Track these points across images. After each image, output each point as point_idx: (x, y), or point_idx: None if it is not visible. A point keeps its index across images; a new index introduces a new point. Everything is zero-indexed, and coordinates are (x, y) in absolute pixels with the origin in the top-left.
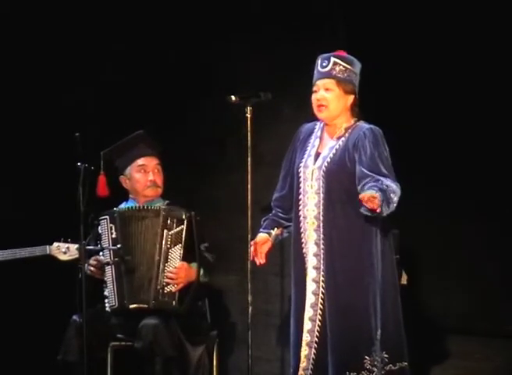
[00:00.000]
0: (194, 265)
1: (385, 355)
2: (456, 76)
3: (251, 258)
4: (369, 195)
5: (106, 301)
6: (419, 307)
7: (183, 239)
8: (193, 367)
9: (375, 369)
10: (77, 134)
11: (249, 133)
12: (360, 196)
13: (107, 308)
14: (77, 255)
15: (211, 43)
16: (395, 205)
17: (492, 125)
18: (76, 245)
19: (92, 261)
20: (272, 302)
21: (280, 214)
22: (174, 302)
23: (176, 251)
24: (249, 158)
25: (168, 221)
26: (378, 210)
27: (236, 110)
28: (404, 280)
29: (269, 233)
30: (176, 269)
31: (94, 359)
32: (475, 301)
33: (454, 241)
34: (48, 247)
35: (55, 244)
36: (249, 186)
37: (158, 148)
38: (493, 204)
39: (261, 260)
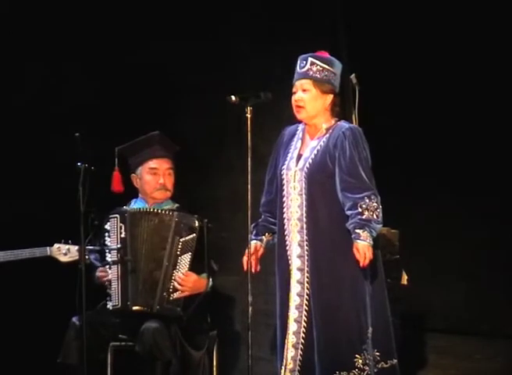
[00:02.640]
0: (204, 275)
1: (377, 353)
2: (457, 75)
3: (245, 267)
4: (358, 254)
5: (108, 299)
6: (419, 307)
7: (194, 248)
8: (194, 368)
9: (367, 368)
10: (77, 134)
11: (249, 133)
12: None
13: (108, 307)
14: (78, 257)
15: (211, 43)
16: (380, 220)
17: (491, 124)
18: (77, 247)
19: (99, 273)
20: (271, 303)
21: (270, 218)
22: (179, 309)
23: (185, 259)
24: (249, 158)
25: (181, 228)
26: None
27: (236, 110)
28: (404, 280)
29: (261, 240)
30: (184, 277)
31: (94, 361)
32: (475, 302)
33: (454, 240)
34: (48, 248)
35: (56, 246)
36: (249, 186)
37: (172, 150)
38: (494, 204)
39: (256, 268)
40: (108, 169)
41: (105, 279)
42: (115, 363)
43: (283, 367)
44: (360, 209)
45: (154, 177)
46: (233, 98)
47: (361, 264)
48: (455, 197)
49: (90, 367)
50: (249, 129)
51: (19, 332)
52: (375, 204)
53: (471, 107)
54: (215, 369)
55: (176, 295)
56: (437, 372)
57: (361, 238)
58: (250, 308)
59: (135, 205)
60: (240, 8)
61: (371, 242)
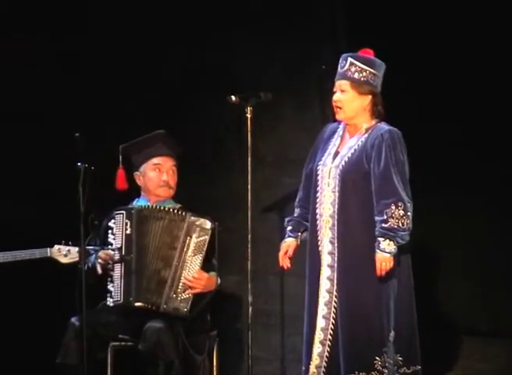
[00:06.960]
0: (213, 273)
1: (399, 358)
2: (459, 72)
3: (281, 264)
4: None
5: (109, 296)
6: (419, 307)
7: (205, 249)
8: (195, 371)
9: (386, 371)
10: (77, 134)
11: (249, 133)
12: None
13: (109, 303)
14: (78, 258)
15: (211, 43)
16: (406, 227)
17: (497, 123)
18: (77, 248)
19: (102, 254)
20: (272, 303)
21: (306, 215)
22: (186, 310)
23: (197, 261)
24: (249, 159)
25: (194, 229)
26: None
27: (236, 110)
28: None
29: (297, 237)
30: (197, 276)
31: (93, 361)
32: (475, 302)
33: (456, 241)
34: (48, 249)
35: (56, 247)
36: (249, 186)
37: (176, 149)
38: (497, 204)
39: (288, 265)
40: (107, 169)
41: (105, 262)
42: (115, 363)
43: (310, 363)
44: (385, 216)
45: (158, 174)
46: (233, 98)
47: (377, 274)
48: (456, 197)
49: (90, 367)
50: (249, 129)
51: (18, 332)
52: (401, 211)
53: (479, 103)
54: (215, 369)
55: (184, 296)
56: (437, 372)
57: (381, 248)
58: (250, 308)
59: (138, 203)
60: (239, 8)
61: (393, 251)
